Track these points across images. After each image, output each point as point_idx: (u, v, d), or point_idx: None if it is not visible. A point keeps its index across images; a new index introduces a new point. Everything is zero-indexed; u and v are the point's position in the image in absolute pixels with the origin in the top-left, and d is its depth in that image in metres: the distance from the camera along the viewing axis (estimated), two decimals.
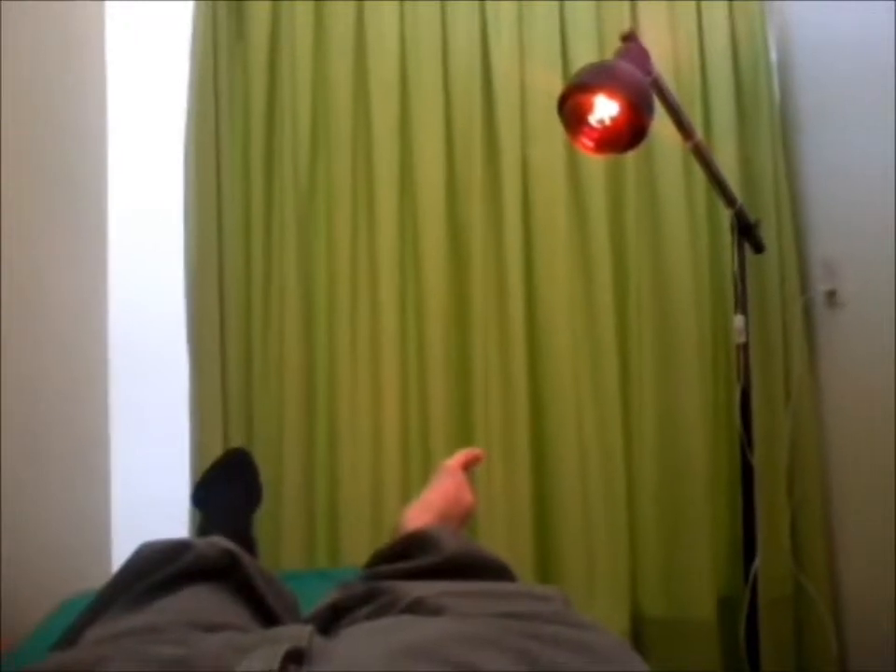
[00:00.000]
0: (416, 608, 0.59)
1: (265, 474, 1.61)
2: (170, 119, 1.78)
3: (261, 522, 1.66)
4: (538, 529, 1.80)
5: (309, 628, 0.51)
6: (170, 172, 1.77)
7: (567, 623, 0.57)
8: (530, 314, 1.84)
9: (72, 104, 1.60)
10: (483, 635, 0.51)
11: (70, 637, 0.70)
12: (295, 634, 0.49)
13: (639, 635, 1.84)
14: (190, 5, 1.76)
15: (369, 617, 0.61)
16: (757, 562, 1.58)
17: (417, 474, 1.73)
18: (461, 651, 0.47)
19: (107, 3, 1.80)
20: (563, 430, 1.80)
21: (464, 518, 1.04)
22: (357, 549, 1.61)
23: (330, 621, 0.64)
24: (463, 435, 1.78)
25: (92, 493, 1.65)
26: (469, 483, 1.09)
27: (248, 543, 1.24)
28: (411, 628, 0.53)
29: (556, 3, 1.89)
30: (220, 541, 0.79)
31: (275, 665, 0.44)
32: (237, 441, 1.70)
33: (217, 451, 1.61)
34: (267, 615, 0.75)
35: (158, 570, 0.74)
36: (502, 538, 1.75)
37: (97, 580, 0.85)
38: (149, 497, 1.67)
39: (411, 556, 0.80)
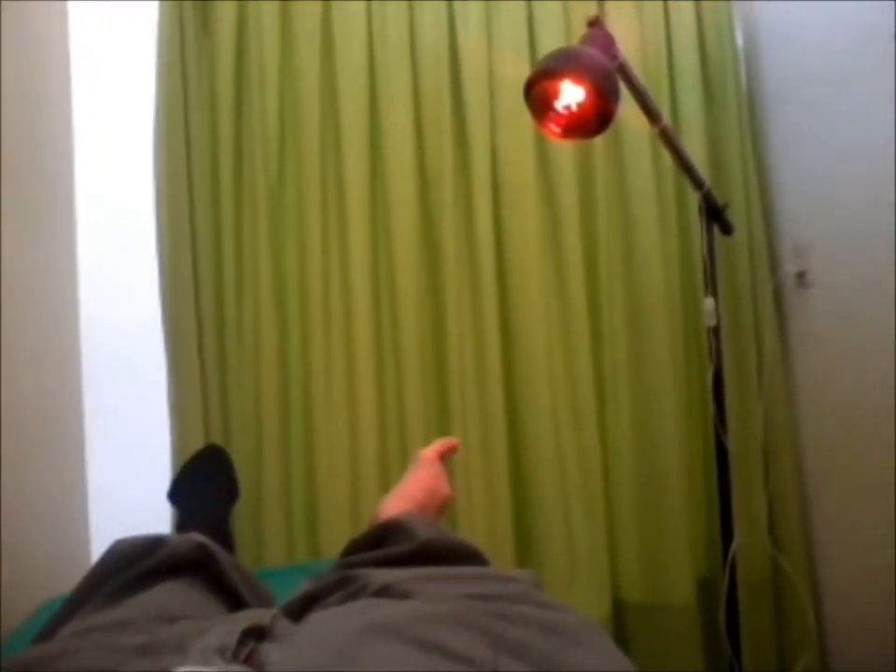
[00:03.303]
0: (385, 592, 0.60)
1: (244, 472, 1.61)
2: (137, 118, 1.76)
3: (242, 521, 1.67)
4: (517, 518, 1.81)
5: (274, 611, 0.51)
6: (139, 172, 1.75)
7: (534, 604, 0.58)
8: (503, 301, 1.84)
9: (36, 104, 1.58)
10: (448, 615, 0.51)
11: (45, 635, 0.70)
12: (257, 615, 0.50)
13: (620, 620, 1.85)
14: (155, 3, 1.75)
15: (339, 603, 0.61)
16: (734, 544, 1.60)
17: (395, 466, 1.72)
18: (426, 630, 0.47)
19: (70, 1, 1.77)
20: (538, 419, 1.81)
21: (441, 508, 1.05)
22: (337, 542, 1.58)
23: (303, 609, 0.64)
24: (440, 425, 1.78)
25: (71, 496, 1.64)
26: (447, 473, 1.10)
27: (226, 539, 1.25)
28: (377, 610, 0.54)
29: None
30: (194, 536, 0.79)
31: (233, 640, 0.44)
32: (216, 439, 1.69)
33: (196, 448, 1.60)
34: (241, 608, 0.75)
35: (131, 567, 0.74)
36: (482, 527, 1.76)
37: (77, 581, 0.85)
38: (129, 499, 1.66)
39: (384, 545, 0.81)
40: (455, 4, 1.85)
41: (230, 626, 0.46)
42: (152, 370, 1.71)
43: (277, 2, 1.77)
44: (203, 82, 1.77)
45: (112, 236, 1.77)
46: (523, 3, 1.88)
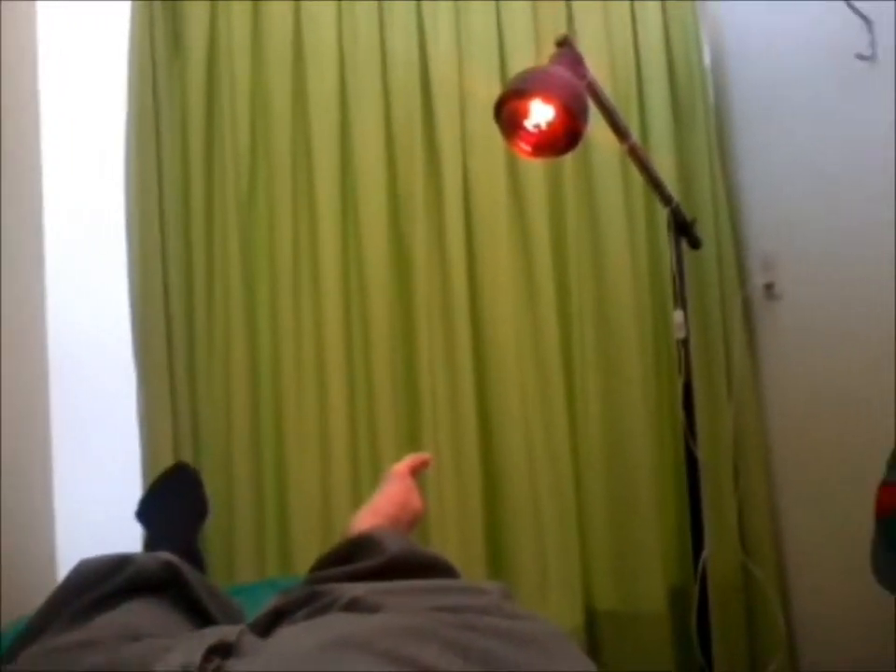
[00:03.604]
0: (353, 606, 0.60)
1: (214, 486, 1.60)
2: (107, 126, 1.75)
3: (213, 536, 1.65)
4: (489, 529, 1.81)
5: (240, 627, 0.51)
6: (109, 182, 1.74)
7: (502, 615, 0.58)
8: (474, 315, 1.85)
9: (4, 110, 1.56)
10: (415, 627, 0.51)
11: (8, 656, 0.69)
12: (223, 631, 0.50)
13: (593, 629, 1.86)
14: (127, 6, 1.73)
15: (307, 618, 0.61)
16: (705, 553, 1.61)
17: (366, 480, 1.72)
18: (393, 643, 0.47)
19: (39, 3, 1.76)
20: (510, 432, 1.82)
21: (413, 522, 1.05)
22: (309, 557, 1.57)
23: (271, 625, 0.64)
24: (411, 439, 1.78)
25: (37, 513, 1.61)
26: (418, 488, 1.10)
27: (195, 557, 1.23)
28: (345, 624, 0.54)
29: (493, 3, 1.91)
30: (161, 555, 0.78)
31: (197, 657, 0.44)
32: (186, 457, 1.67)
33: (166, 463, 1.58)
34: (210, 625, 0.74)
35: (97, 586, 0.73)
36: (454, 539, 1.75)
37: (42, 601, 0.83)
38: (96, 516, 1.64)
39: (354, 559, 0.81)
40: (426, 12, 1.86)
41: (195, 643, 0.46)
42: (121, 383, 1.69)
43: (249, 20, 1.78)
44: (174, 96, 1.76)
45: (81, 247, 1.76)
46: (492, 5, 1.91)
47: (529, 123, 1.33)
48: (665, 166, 1.91)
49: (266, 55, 1.78)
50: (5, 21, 1.59)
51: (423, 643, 0.48)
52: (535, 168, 1.89)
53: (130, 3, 1.73)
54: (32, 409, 1.63)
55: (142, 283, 1.69)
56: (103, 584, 0.73)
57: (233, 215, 1.73)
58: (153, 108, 1.72)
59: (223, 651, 0.46)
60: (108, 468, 1.70)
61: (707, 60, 2.12)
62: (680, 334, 1.64)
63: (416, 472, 1.12)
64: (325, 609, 0.61)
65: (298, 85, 1.79)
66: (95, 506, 1.66)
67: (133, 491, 1.62)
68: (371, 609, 0.58)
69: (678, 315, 1.64)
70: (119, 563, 0.75)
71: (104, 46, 1.80)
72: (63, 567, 1.63)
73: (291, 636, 0.53)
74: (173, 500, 1.34)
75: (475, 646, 0.49)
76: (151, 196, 1.71)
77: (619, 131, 1.47)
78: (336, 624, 0.54)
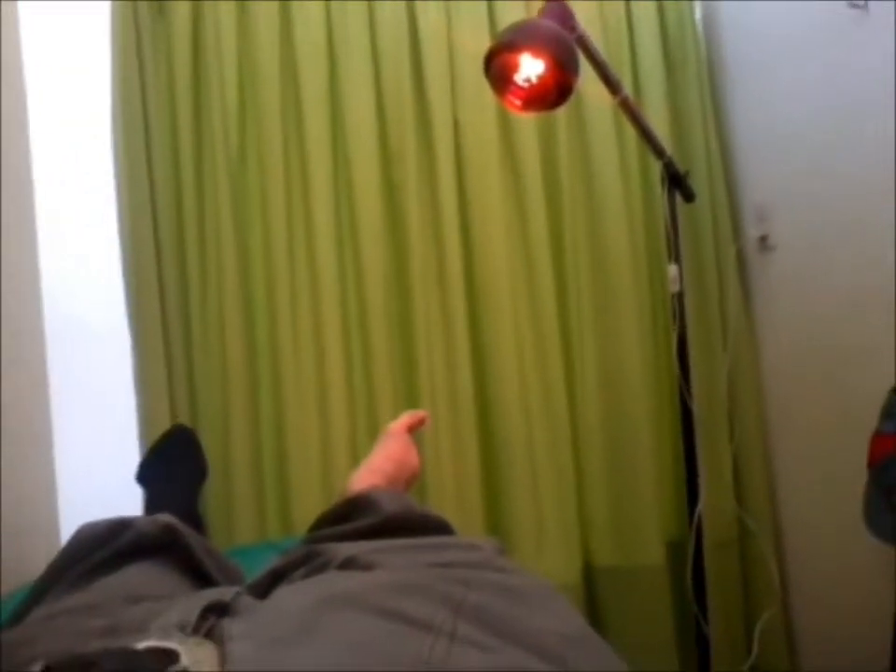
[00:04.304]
0: (349, 565, 0.60)
1: (212, 448, 1.61)
2: (95, 102, 1.72)
3: (211, 497, 1.67)
4: (486, 486, 1.83)
5: (236, 588, 0.52)
6: (99, 155, 1.72)
7: (495, 569, 0.59)
8: (469, 273, 1.85)
9: None
10: (408, 582, 0.52)
11: (14, 621, 0.70)
12: (220, 591, 0.50)
13: (591, 584, 1.89)
14: None
15: (304, 578, 0.62)
16: (700, 505, 1.63)
17: (364, 439, 1.74)
18: (385, 598, 0.48)
19: None
20: (506, 387, 1.82)
21: (410, 480, 1.07)
22: (309, 517, 1.59)
23: (269, 586, 0.65)
24: (408, 395, 1.79)
25: (38, 479, 1.62)
26: (415, 445, 1.11)
27: (195, 519, 1.25)
28: (339, 581, 0.55)
29: None
30: (160, 517, 0.79)
31: (193, 616, 0.44)
32: (183, 417, 1.69)
33: (163, 427, 1.59)
34: (210, 587, 0.76)
35: (98, 550, 0.74)
36: (451, 497, 1.77)
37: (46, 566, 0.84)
38: (97, 481, 1.65)
39: (351, 519, 0.82)
40: None
41: (191, 603, 0.47)
42: (117, 346, 1.69)
43: None
44: (160, 66, 1.74)
45: (73, 211, 1.74)
46: None
47: (519, 77, 1.31)
48: (658, 120, 1.89)
49: (252, 11, 1.75)
50: None
51: (415, 597, 0.49)
52: (527, 123, 1.86)
53: None
54: (31, 377, 1.63)
55: (134, 246, 1.69)
56: (103, 548, 0.73)
57: (224, 179, 1.72)
58: (139, 80, 1.70)
59: (219, 610, 0.47)
60: (108, 432, 1.71)
61: (698, 10, 2.08)
62: (675, 288, 1.64)
63: (413, 430, 1.13)
64: (321, 569, 0.62)
65: (285, 42, 1.77)
66: (97, 471, 1.67)
67: (133, 457, 1.64)
68: (366, 567, 0.59)
69: (672, 269, 1.64)
70: (118, 526, 0.76)
71: (87, 17, 1.76)
72: (66, 534, 1.65)
73: (286, 594, 0.53)
74: (172, 463, 1.35)
75: (467, 600, 0.50)
76: (140, 166, 1.69)
77: (610, 84, 1.45)
78: (329, 583, 0.55)
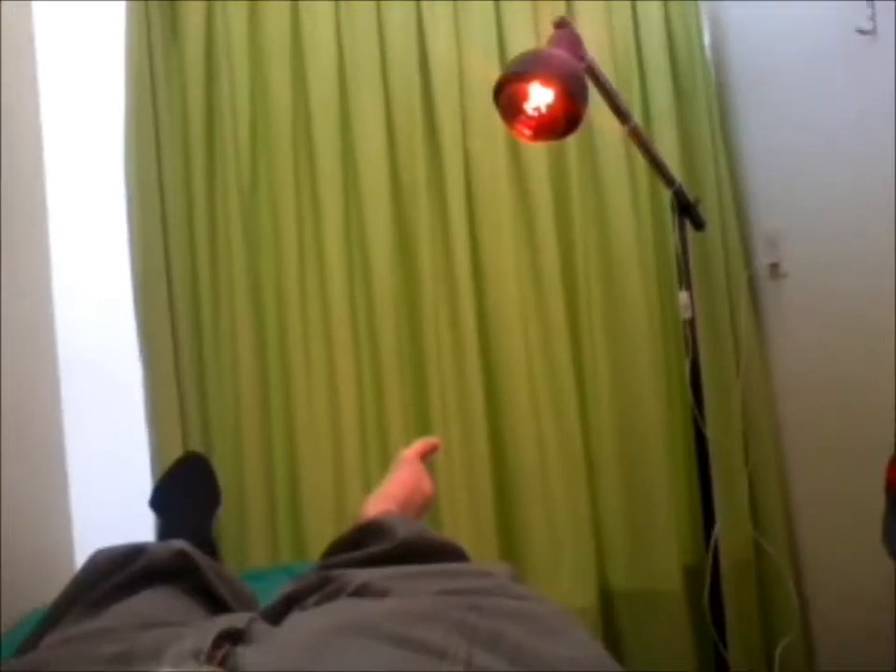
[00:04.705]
0: (362, 591, 0.60)
1: (225, 474, 1.61)
2: (107, 123, 1.74)
3: (225, 522, 1.66)
4: (500, 511, 1.82)
5: (250, 615, 0.52)
6: (110, 177, 1.74)
7: (509, 595, 0.59)
8: (480, 302, 1.85)
9: (2, 106, 1.56)
10: (421, 610, 0.52)
11: (28, 646, 0.70)
12: (234, 618, 0.51)
13: (608, 609, 1.87)
14: (122, 5, 1.73)
15: (317, 604, 0.62)
16: (717, 529, 1.62)
17: (376, 464, 1.73)
18: (399, 626, 0.48)
19: (34, 3, 1.75)
20: (519, 412, 1.82)
21: (423, 507, 1.06)
22: (322, 542, 1.58)
23: (283, 611, 0.65)
24: (420, 421, 1.79)
25: (53, 505, 1.63)
26: (428, 472, 1.11)
27: (210, 545, 1.25)
28: (352, 609, 0.55)
29: (491, 2, 1.90)
30: (174, 543, 0.80)
31: (207, 643, 0.44)
32: (195, 443, 1.69)
33: (176, 453, 1.59)
34: (224, 613, 0.76)
35: (112, 576, 0.74)
36: (465, 522, 1.76)
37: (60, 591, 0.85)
38: (111, 508, 1.65)
39: (364, 545, 0.82)
40: (424, 6, 1.85)
41: (205, 630, 0.47)
42: (129, 374, 1.70)
43: (245, 7, 1.76)
44: (173, 89, 1.75)
45: (84, 238, 1.75)
46: (491, 3, 1.89)
47: (529, 107, 1.32)
48: (667, 147, 1.91)
49: (264, 41, 1.77)
50: (4, 16, 1.59)
51: (429, 625, 0.49)
52: (537, 151, 1.88)
53: None
54: (44, 404, 1.64)
55: (145, 276, 1.69)
56: (117, 574, 0.74)
57: (235, 205, 1.73)
58: (151, 102, 1.71)
59: (233, 637, 0.47)
60: (122, 459, 1.72)
61: (707, 38, 2.10)
62: (687, 314, 1.64)
63: (426, 457, 1.13)
64: (334, 596, 0.62)
65: (297, 77, 1.78)
66: (111, 498, 1.68)
67: (146, 483, 1.64)
68: (379, 594, 0.59)
69: (683, 296, 1.65)
70: (132, 552, 0.76)
71: (100, 36, 1.77)
72: (80, 560, 1.66)
73: (300, 621, 0.54)
74: (186, 489, 1.35)
75: (481, 627, 0.49)
76: (152, 190, 1.70)
77: (619, 113, 1.46)
78: (343, 610, 0.55)
